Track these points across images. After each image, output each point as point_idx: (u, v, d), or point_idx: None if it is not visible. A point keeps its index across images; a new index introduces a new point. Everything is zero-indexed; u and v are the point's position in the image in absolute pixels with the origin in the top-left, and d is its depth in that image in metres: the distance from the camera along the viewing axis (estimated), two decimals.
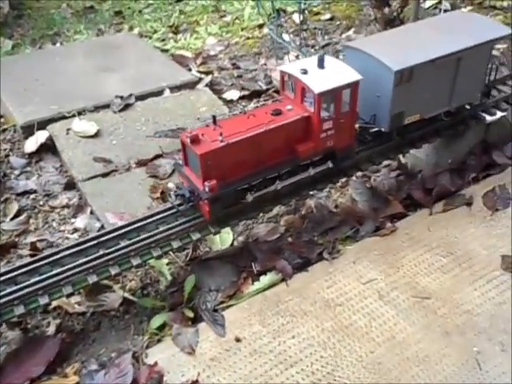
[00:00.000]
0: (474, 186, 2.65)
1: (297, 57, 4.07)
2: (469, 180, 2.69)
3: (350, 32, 4.37)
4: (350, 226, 2.51)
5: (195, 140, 1.95)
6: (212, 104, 3.55)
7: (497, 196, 2.55)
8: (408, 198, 2.65)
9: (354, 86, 2.09)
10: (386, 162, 2.68)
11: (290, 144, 2.11)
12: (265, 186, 2.13)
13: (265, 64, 4.13)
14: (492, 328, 1.99)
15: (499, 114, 2.72)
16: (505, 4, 4.53)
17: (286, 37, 4.50)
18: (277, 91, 3.77)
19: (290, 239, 2.48)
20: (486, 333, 1.98)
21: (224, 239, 2.45)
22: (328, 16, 4.73)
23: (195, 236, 2.11)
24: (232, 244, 2.46)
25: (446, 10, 4.47)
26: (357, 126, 2.31)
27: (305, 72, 2.08)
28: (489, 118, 2.70)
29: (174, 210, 2.16)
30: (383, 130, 2.34)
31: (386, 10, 3.54)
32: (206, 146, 1.94)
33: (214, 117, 2.02)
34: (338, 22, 4.60)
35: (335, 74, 2.10)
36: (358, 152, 2.37)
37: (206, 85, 3.79)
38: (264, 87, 3.79)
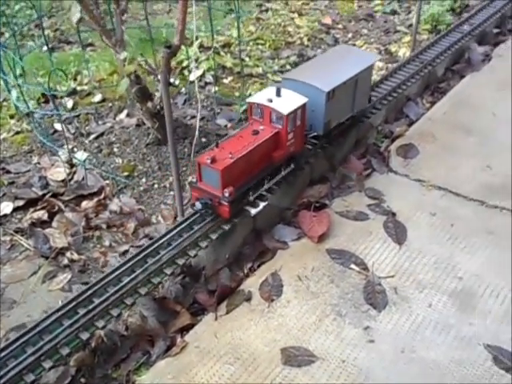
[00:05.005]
0: (251, 278, 2.87)
1: (72, 149, 3.99)
2: (247, 272, 2.92)
3: (123, 115, 4.40)
4: (141, 350, 2.54)
5: (214, 160, 2.65)
6: None
7: (270, 285, 2.80)
8: (195, 302, 2.78)
9: (303, 106, 2.99)
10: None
11: (268, 153, 2.94)
12: (256, 186, 2.94)
13: (38, 163, 3.95)
14: None
15: (262, 204, 3.00)
16: (260, 71, 5.01)
17: (58, 126, 4.37)
18: (54, 195, 3.64)
19: (82, 380, 2.43)
20: None
21: None
22: (99, 97, 4.70)
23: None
24: None
25: (210, 83, 4.79)
26: None
27: (270, 101, 2.91)
28: (253, 211, 2.95)
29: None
30: (319, 133, 3.32)
31: (149, 104, 3.65)
32: (222, 163, 2.66)
33: (217, 142, 2.78)
34: (110, 104, 4.60)
35: (290, 99, 2.97)
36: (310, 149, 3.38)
37: None
38: (40, 193, 3.61)
